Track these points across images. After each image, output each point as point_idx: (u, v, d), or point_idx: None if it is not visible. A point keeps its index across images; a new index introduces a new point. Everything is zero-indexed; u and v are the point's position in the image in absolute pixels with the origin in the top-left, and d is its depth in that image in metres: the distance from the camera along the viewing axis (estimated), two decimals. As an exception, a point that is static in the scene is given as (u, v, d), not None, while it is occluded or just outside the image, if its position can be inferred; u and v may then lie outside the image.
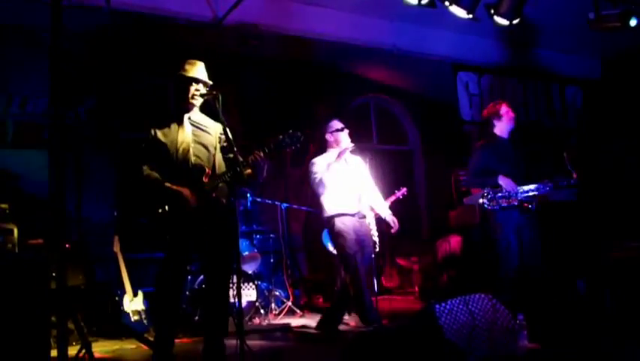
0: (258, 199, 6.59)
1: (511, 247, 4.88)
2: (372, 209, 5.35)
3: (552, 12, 6.63)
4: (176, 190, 3.61)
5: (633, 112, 7.92)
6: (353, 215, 5.06)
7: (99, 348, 4.72)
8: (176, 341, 3.83)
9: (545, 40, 7.89)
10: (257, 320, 5.93)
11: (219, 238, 3.71)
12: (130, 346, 4.87)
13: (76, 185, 5.97)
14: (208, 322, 3.77)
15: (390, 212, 5.29)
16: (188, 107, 3.83)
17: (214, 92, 3.67)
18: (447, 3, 5.40)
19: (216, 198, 3.71)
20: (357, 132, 5.53)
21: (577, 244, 6.26)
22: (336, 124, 5.21)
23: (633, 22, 5.73)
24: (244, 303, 5.77)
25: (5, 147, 6.09)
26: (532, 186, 4.91)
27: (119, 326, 5.21)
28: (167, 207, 3.61)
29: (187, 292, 5.48)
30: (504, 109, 5.15)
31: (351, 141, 5.18)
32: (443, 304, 3.39)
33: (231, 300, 4.13)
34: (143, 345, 4.70)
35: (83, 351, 3.47)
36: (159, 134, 3.76)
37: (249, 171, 3.68)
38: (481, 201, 4.89)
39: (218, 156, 3.83)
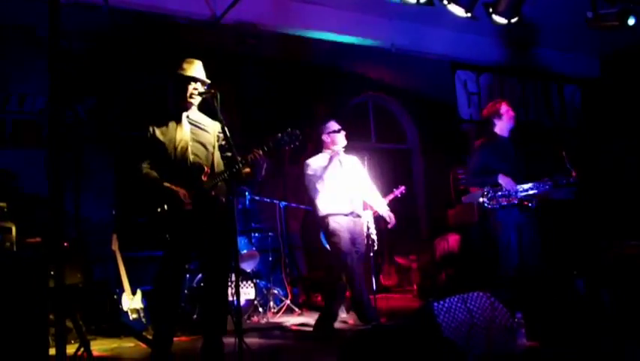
0: (257, 198, 6.59)
1: (511, 245, 4.89)
2: (370, 207, 5.37)
3: (550, 11, 6.62)
4: (172, 190, 3.61)
5: (632, 110, 7.93)
6: (347, 215, 5.07)
7: (98, 347, 4.72)
8: (175, 339, 3.84)
9: (544, 39, 7.89)
10: (255, 319, 5.94)
11: (218, 236, 3.71)
12: (128, 344, 4.88)
13: (75, 184, 5.97)
14: (207, 320, 3.77)
15: (387, 208, 5.32)
16: (187, 106, 3.83)
17: (212, 91, 3.68)
18: (445, 1, 5.39)
19: (215, 196, 3.72)
20: (355, 131, 5.54)
21: (576, 242, 6.28)
22: (333, 125, 5.22)
23: (631, 21, 5.73)
24: (243, 301, 5.78)
25: (3, 145, 6.10)
26: (532, 185, 4.92)
27: (117, 324, 5.21)
28: (165, 207, 3.61)
29: (186, 291, 5.49)
30: (504, 108, 5.17)
31: (350, 140, 5.20)
32: (441, 303, 3.39)
33: (230, 298, 4.13)
34: (141, 344, 4.70)
35: (82, 350, 3.47)
36: (157, 132, 3.76)
37: (247, 170, 3.69)
38: (481, 200, 4.90)
39: (217, 155, 3.84)
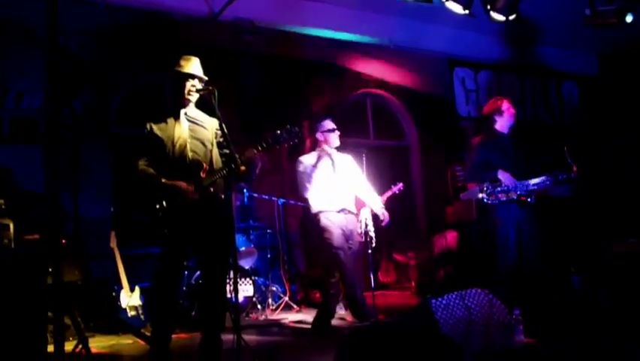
0: (255, 195, 6.59)
1: (510, 242, 4.89)
2: (366, 205, 5.38)
3: (549, 8, 6.61)
4: (172, 184, 3.60)
5: (630, 108, 7.93)
6: (338, 212, 5.10)
7: (96, 343, 4.72)
8: (173, 336, 3.83)
9: (542, 37, 7.88)
10: (254, 316, 5.94)
11: (216, 233, 3.71)
12: (127, 341, 4.88)
13: (73, 180, 5.96)
14: (205, 317, 3.77)
15: (381, 205, 5.33)
16: (184, 103, 3.83)
17: (210, 88, 3.67)
18: (443, -2, 5.40)
19: (214, 193, 3.71)
20: (353, 128, 5.54)
21: (574, 240, 6.28)
22: (328, 124, 5.23)
23: (629, 19, 5.74)
24: (241, 298, 5.79)
25: (1, 142, 6.09)
26: (532, 181, 4.93)
27: (115, 321, 5.21)
28: (164, 203, 3.61)
29: (184, 288, 5.49)
30: (505, 105, 5.19)
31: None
32: (439, 299, 3.40)
33: (228, 295, 4.13)
34: (140, 340, 4.71)
35: (80, 346, 3.47)
36: (155, 129, 3.75)
37: (243, 168, 3.68)
38: (480, 195, 4.90)
39: (215, 152, 3.83)
